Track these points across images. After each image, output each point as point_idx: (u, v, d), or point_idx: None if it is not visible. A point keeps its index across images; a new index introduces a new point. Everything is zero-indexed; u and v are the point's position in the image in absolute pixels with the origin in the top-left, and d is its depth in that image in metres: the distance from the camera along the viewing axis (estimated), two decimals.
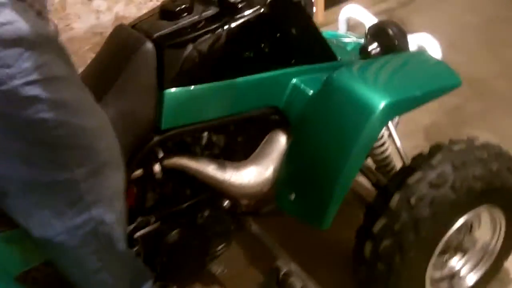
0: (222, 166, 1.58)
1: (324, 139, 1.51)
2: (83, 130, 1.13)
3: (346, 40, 1.96)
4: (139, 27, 1.48)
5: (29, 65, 1.01)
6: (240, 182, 1.59)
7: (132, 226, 1.55)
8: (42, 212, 1.14)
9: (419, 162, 1.61)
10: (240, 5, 1.50)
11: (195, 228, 1.61)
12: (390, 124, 1.81)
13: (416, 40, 1.81)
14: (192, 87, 1.46)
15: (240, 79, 1.51)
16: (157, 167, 1.51)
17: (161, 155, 1.51)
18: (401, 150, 1.81)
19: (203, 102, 1.49)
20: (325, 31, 2.05)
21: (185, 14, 1.49)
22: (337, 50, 1.74)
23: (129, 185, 1.52)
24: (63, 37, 1.68)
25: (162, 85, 1.43)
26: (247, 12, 1.49)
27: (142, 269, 1.44)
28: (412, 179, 1.56)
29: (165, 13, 1.49)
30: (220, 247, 1.69)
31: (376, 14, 3.56)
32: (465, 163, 1.58)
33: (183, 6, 1.48)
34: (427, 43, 1.79)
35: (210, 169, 1.56)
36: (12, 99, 1.01)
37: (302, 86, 1.57)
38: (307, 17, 1.62)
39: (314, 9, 1.84)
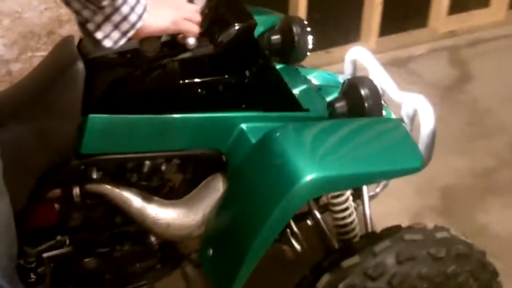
0: (148, 200, 1.46)
1: (250, 198, 1.36)
2: None
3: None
4: (83, 45, 1.39)
5: None
6: (165, 221, 1.47)
7: (46, 245, 1.49)
8: None
9: (364, 243, 1.43)
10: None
11: (110, 260, 1.51)
12: (364, 188, 1.64)
13: (408, 100, 1.61)
14: (121, 116, 1.36)
15: (178, 116, 1.39)
16: (76, 190, 1.42)
17: (83, 178, 1.42)
18: (369, 221, 1.63)
19: (132, 133, 1.38)
20: (324, 71, 1.88)
21: None
22: (314, 98, 1.57)
23: (50, 202, 1.46)
24: None
25: (87, 109, 1.33)
26: (196, 48, 1.35)
27: None
28: (347, 262, 1.38)
29: None
30: (139, 284, 1.59)
31: (439, 50, 3.35)
32: (413, 257, 1.38)
33: None
34: (420, 107, 1.57)
35: (134, 202, 1.45)
36: None
37: (249, 134, 1.42)
38: (265, 59, 1.47)
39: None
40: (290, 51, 1.73)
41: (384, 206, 1.96)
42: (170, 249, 1.61)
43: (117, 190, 1.44)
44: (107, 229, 1.51)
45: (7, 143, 1.31)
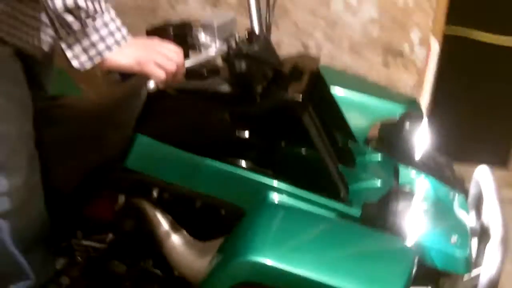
0: (175, 231, 1.57)
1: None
2: None
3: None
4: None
5: None
6: (180, 255, 1.56)
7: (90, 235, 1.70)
8: None
9: None
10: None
11: (129, 273, 1.65)
12: None
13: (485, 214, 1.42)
14: (164, 144, 1.49)
15: (211, 162, 1.47)
16: (121, 198, 1.61)
17: (130, 190, 1.60)
18: None
19: (169, 163, 1.51)
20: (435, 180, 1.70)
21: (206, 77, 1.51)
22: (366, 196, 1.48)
23: (102, 201, 1.66)
24: None
25: (139, 128, 1.50)
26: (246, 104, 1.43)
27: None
28: None
29: (188, 73, 1.53)
30: None
31: None
32: None
33: (205, 71, 1.50)
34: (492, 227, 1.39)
35: (163, 225, 1.57)
36: None
37: (268, 203, 1.42)
38: (307, 134, 1.44)
39: None
40: (396, 145, 1.66)
41: None
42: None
43: (153, 210, 1.58)
44: (134, 243, 1.65)
45: (67, 138, 1.58)
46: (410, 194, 1.41)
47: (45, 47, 1.46)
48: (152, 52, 1.30)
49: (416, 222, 1.40)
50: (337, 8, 2.62)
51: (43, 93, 1.68)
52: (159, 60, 1.30)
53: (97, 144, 1.56)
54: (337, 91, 1.76)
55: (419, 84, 2.64)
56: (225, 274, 1.25)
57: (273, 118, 1.45)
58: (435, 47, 2.62)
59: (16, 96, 1.45)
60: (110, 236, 1.69)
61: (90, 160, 1.58)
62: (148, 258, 1.65)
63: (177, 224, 1.59)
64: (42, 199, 1.55)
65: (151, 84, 1.43)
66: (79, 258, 1.71)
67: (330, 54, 2.68)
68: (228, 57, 1.38)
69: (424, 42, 2.57)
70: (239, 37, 1.43)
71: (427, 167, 1.71)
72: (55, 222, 1.64)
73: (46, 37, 1.45)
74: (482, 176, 1.67)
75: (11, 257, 1.55)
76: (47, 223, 1.58)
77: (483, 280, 1.38)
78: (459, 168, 2.80)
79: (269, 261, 1.20)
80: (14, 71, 1.43)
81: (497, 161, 2.98)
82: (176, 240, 1.57)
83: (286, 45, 2.66)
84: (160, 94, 1.53)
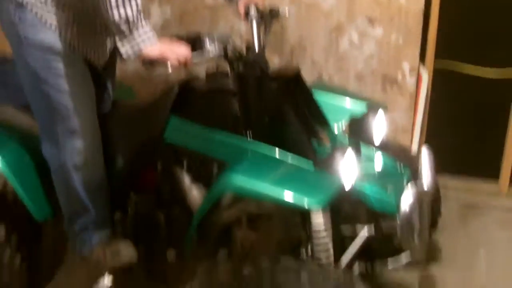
0: (196, 186, 2.23)
1: None
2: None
3: None
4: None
5: None
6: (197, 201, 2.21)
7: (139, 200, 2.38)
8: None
9: None
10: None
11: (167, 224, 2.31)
12: None
13: None
14: (191, 123, 2.18)
15: (218, 134, 2.13)
16: (160, 166, 2.29)
17: (167, 160, 2.28)
18: None
19: (193, 136, 2.19)
20: (385, 155, 2.30)
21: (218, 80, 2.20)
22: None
23: (148, 172, 2.35)
24: None
25: (173, 112, 2.20)
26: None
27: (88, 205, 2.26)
28: None
29: (207, 76, 2.23)
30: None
31: None
32: None
33: (218, 74, 2.19)
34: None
35: (186, 181, 2.23)
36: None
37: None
38: (287, 115, 2.09)
39: None
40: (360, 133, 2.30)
41: None
42: None
43: (181, 172, 2.26)
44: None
45: (124, 124, 2.31)
46: (349, 152, 2.01)
47: (104, 58, 2.23)
48: (170, 48, 1.99)
49: (356, 173, 1.99)
50: (344, 46, 3.29)
51: (107, 94, 2.41)
52: (174, 53, 1.99)
53: (144, 125, 2.27)
54: (322, 96, 2.41)
55: (411, 105, 3.24)
56: (212, 193, 1.95)
57: (263, 103, 2.11)
58: (425, 77, 3.23)
59: (85, 85, 2.19)
60: (153, 194, 2.37)
61: (139, 137, 2.29)
62: (177, 208, 2.31)
63: (197, 181, 2.25)
64: (102, 160, 2.26)
65: (169, 68, 2.08)
66: (130, 211, 2.39)
67: (339, 82, 3.32)
68: (227, 58, 2.07)
69: (414, 72, 3.18)
70: (234, 46, 2.11)
71: (382, 147, 2.32)
72: (115, 184, 2.35)
73: (105, 51, 2.21)
74: (424, 156, 2.26)
75: (81, 200, 2.26)
76: (106, 179, 2.29)
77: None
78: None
79: (241, 180, 1.88)
80: (83, 70, 2.18)
81: (488, 174, 3.48)
82: (196, 193, 2.23)
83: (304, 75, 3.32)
84: (186, 89, 2.23)
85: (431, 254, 2.85)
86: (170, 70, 1.98)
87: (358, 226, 2.11)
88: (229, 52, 2.06)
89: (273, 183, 1.88)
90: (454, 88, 3.36)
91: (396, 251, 2.17)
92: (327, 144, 2.21)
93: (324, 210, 1.93)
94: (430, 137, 3.38)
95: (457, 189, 3.39)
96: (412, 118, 3.27)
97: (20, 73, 2.15)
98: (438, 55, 3.31)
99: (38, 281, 2.70)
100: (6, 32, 2.13)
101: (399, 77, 3.22)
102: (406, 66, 3.19)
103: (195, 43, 2.00)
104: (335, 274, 1.81)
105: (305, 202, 1.80)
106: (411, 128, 3.31)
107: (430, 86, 3.29)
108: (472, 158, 3.44)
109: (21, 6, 2.04)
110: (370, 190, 2.03)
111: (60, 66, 2.09)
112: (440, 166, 3.13)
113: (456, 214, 3.22)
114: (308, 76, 3.29)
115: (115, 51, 2.24)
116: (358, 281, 1.86)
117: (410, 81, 3.20)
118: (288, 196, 1.81)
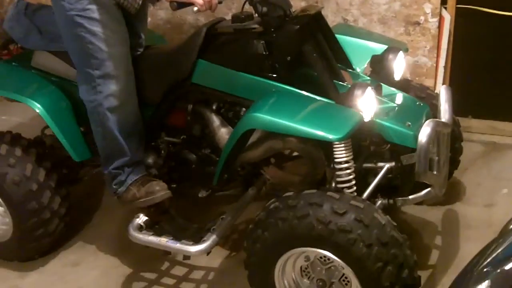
0: (223, 125, 2.34)
1: None
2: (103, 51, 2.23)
3: None
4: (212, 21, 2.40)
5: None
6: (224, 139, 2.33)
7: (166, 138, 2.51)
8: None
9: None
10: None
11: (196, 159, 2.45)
12: None
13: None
14: (217, 65, 2.28)
15: (243, 75, 2.22)
16: (190, 106, 2.40)
17: (195, 100, 2.38)
18: None
19: (220, 78, 2.29)
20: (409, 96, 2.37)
21: (243, 22, 2.27)
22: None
23: (177, 111, 2.46)
24: None
25: (200, 55, 2.30)
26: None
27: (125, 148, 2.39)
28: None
29: (233, 18, 2.31)
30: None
31: None
32: None
33: (243, 16, 2.27)
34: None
35: (215, 121, 2.35)
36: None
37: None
38: (307, 55, 2.16)
39: None
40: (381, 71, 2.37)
41: None
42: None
43: (210, 112, 2.38)
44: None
45: (154, 66, 2.42)
46: (368, 86, 2.08)
47: (137, 3, 2.33)
48: None
49: (375, 107, 2.07)
50: None
51: (140, 41, 2.52)
52: None
53: (173, 68, 2.37)
54: (344, 37, 2.48)
55: (434, 47, 3.28)
56: (237, 129, 2.07)
57: (285, 44, 2.19)
58: (447, 17, 3.25)
59: (119, 30, 2.29)
60: (184, 135, 2.49)
61: (169, 79, 2.39)
62: (207, 147, 2.44)
63: (225, 121, 2.36)
64: (136, 103, 2.38)
65: (195, 8, 2.16)
66: (162, 152, 2.52)
67: (364, 26, 3.37)
68: (251, 2, 2.15)
69: (435, 14, 3.20)
70: None
71: (402, 86, 2.39)
72: (147, 126, 2.48)
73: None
74: (443, 94, 2.33)
75: (117, 141, 2.39)
76: (140, 120, 2.41)
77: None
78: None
79: (264, 115, 1.99)
80: (117, 15, 2.28)
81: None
82: (224, 131, 2.34)
83: (329, 20, 3.35)
84: (213, 32, 2.32)
85: (454, 192, 2.92)
86: (195, 10, 2.07)
87: (380, 161, 2.21)
88: None
89: (295, 117, 1.98)
90: (477, 30, 3.35)
91: (418, 189, 2.26)
92: (349, 83, 2.28)
93: (346, 142, 2.02)
94: (455, 79, 3.41)
95: (480, 129, 3.44)
96: (435, 59, 3.30)
97: (57, 18, 2.27)
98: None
99: (77, 220, 2.88)
100: None
101: (421, 18, 3.25)
102: (428, 7, 3.21)
103: None
104: (356, 203, 1.92)
105: (327, 134, 1.90)
106: (435, 70, 3.36)
107: (452, 28, 3.30)
108: (496, 101, 3.46)
109: None
110: (390, 124, 2.11)
111: (95, 11, 2.19)
112: (464, 108, 3.21)
113: (479, 154, 3.27)
114: (332, 21, 3.36)
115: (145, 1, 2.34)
116: (378, 211, 1.97)
117: (432, 22, 3.23)
118: (310, 129, 1.92)
